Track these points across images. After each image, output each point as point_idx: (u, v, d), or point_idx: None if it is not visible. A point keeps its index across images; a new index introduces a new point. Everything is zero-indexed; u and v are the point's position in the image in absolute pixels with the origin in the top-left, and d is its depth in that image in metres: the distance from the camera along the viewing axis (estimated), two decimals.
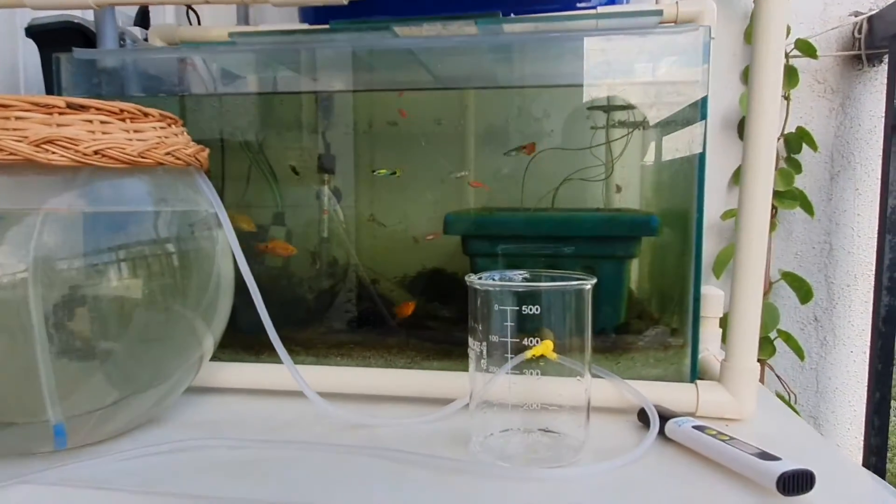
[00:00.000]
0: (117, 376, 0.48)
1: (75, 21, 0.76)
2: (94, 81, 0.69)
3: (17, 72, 0.86)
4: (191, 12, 1.10)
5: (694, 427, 0.48)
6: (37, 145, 0.42)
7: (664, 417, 0.51)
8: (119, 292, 0.46)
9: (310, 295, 0.80)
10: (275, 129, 0.78)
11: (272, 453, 0.48)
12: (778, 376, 1.15)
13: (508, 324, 0.46)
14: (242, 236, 0.58)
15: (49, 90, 0.78)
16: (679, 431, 0.48)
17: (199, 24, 1.08)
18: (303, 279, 0.79)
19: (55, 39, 0.75)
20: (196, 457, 0.48)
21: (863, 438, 1.14)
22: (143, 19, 1.00)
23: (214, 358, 0.64)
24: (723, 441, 0.45)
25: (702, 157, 0.59)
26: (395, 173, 0.73)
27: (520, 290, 0.46)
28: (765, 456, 0.42)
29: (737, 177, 1.14)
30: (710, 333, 0.69)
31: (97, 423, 0.49)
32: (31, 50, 0.82)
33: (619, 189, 0.69)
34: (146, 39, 0.93)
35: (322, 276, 0.81)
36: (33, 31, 0.76)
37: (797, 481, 0.40)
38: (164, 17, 1.16)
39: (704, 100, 0.60)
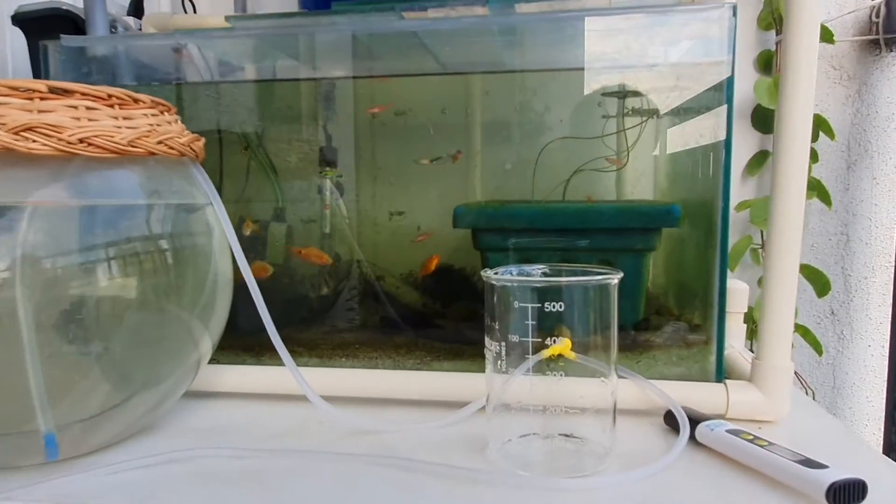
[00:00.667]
0: (110, 381, 0.44)
1: (63, 7, 0.72)
2: (83, 70, 0.66)
3: (4, 61, 0.82)
4: (186, 2, 1.06)
5: (728, 431, 0.45)
6: (16, 133, 0.38)
7: (694, 420, 0.47)
8: (110, 291, 0.43)
9: (313, 293, 0.77)
10: (274, 120, 0.75)
11: (273, 463, 0.45)
12: (795, 372, 1.12)
13: (529, 322, 0.42)
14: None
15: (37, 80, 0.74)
16: (711, 436, 0.45)
17: (194, 12, 1.05)
18: (305, 276, 0.76)
19: (42, 27, 0.72)
20: (193, 468, 0.45)
21: (882, 434, 1.11)
22: (136, 9, 0.96)
23: (213, 360, 0.61)
24: (762, 447, 0.41)
25: (727, 143, 0.56)
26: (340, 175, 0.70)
27: (541, 285, 0.43)
28: (810, 463, 0.39)
29: (751, 167, 1.11)
30: (734, 330, 0.65)
31: (89, 432, 0.46)
32: (18, 38, 0.78)
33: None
34: (140, 29, 0.90)
35: (325, 273, 0.78)
36: (20, 19, 0.73)
37: (848, 491, 0.36)
38: (160, 6, 1.13)
39: (730, 83, 0.56)
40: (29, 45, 0.75)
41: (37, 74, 0.74)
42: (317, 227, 0.78)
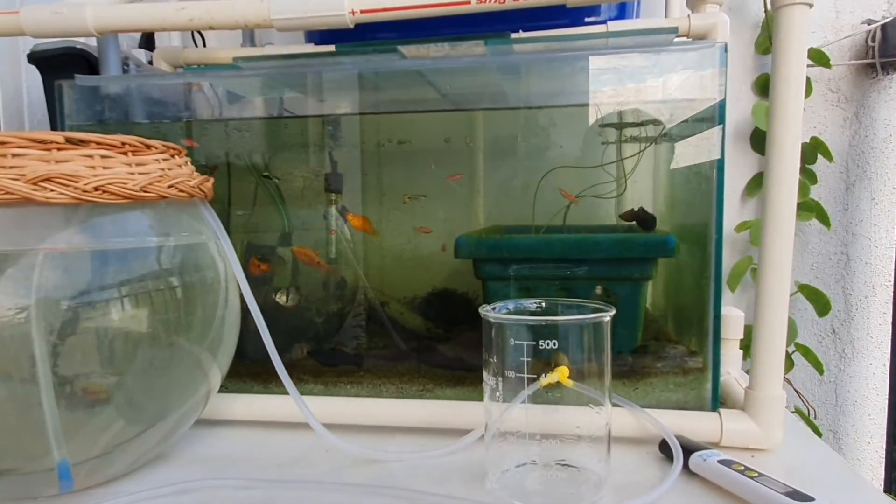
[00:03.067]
0: (122, 416, 0.46)
1: (77, 47, 0.75)
2: (97, 108, 0.68)
3: (20, 98, 0.85)
4: (196, 35, 1.09)
5: (720, 461, 0.46)
6: (34, 183, 0.40)
7: (688, 450, 0.49)
8: (123, 329, 0.45)
9: (318, 319, 0.79)
10: (282, 152, 0.77)
11: (279, 493, 0.47)
12: (796, 391, 1.13)
13: (524, 359, 0.44)
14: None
15: (52, 117, 0.77)
16: (704, 466, 0.46)
17: (204, 46, 1.07)
18: (311, 303, 0.78)
19: (58, 65, 0.74)
20: (202, 498, 0.46)
21: (884, 452, 1.11)
22: (147, 42, 0.99)
23: (222, 388, 0.63)
24: (751, 478, 0.43)
25: (720, 177, 0.57)
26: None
27: (536, 323, 0.44)
28: (796, 496, 0.40)
29: (750, 188, 1.12)
30: (730, 356, 0.67)
31: (102, 464, 0.47)
32: (34, 76, 0.81)
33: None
34: (150, 62, 0.92)
35: (330, 299, 0.79)
36: (35, 58, 0.76)
37: None
38: (170, 39, 1.16)
39: (721, 115, 0.58)
40: (44, 82, 0.78)
41: (52, 111, 0.76)
42: (322, 252, 0.80)
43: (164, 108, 0.72)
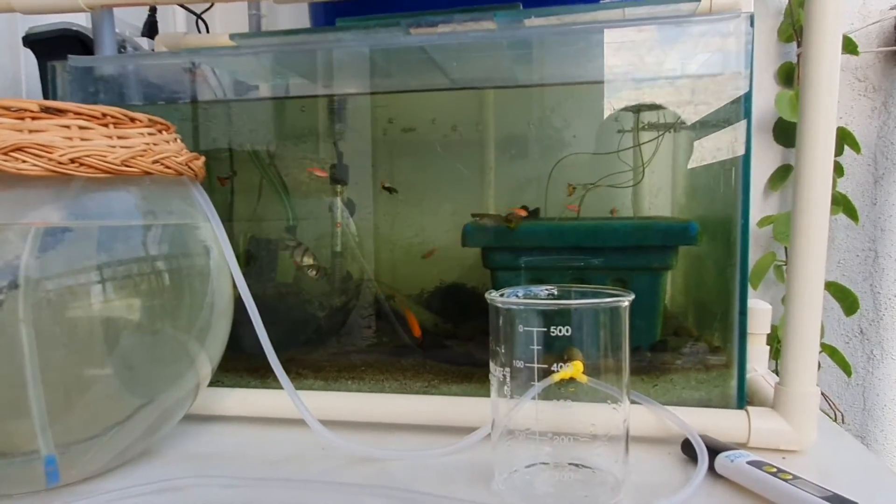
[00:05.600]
0: (101, 404, 0.43)
1: (73, 29, 0.73)
2: (90, 90, 0.66)
3: (18, 83, 0.83)
4: (200, 23, 1.07)
5: (749, 462, 0.42)
6: (5, 153, 0.37)
7: (713, 450, 0.45)
8: (106, 312, 0.42)
9: (320, 313, 0.76)
10: (284, 138, 0.74)
11: (268, 493, 0.43)
12: (823, 394, 1.07)
13: (535, 347, 0.40)
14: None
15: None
16: (732, 468, 0.42)
17: (207, 33, 1.05)
18: (312, 296, 0.75)
19: (53, 48, 0.72)
20: (187, 496, 0.43)
21: None
22: (150, 30, 0.97)
23: (216, 383, 0.60)
24: (786, 481, 0.39)
25: (747, 156, 0.53)
26: None
27: (547, 308, 0.41)
28: (837, 500, 0.36)
29: (773, 182, 1.08)
30: (756, 352, 0.62)
31: (85, 455, 0.44)
32: (33, 63, 0.79)
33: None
34: (153, 50, 0.90)
35: (334, 293, 0.76)
36: (30, 41, 0.73)
37: None
38: (175, 28, 1.14)
39: (748, 95, 0.54)
40: (40, 66, 0.75)
41: (46, 96, 0.74)
42: (327, 245, 0.77)
43: (160, 90, 0.69)
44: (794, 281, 0.48)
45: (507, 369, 0.42)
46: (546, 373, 0.40)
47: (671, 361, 0.60)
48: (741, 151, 0.54)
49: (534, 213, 0.66)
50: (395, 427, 0.55)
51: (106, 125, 0.42)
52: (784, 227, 1.01)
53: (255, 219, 0.76)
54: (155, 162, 0.44)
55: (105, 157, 0.41)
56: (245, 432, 0.55)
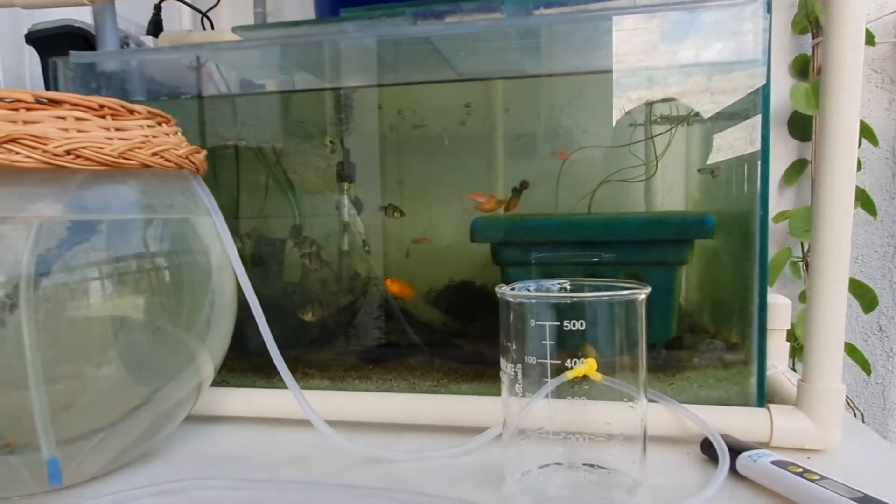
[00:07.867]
0: (99, 403, 0.42)
1: (76, 25, 0.72)
2: (92, 86, 0.65)
3: (22, 81, 0.82)
4: (206, 21, 1.06)
5: (773, 462, 0.40)
6: None
7: (734, 450, 0.43)
8: (104, 308, 0.41)
9: (327, 312, 0.74)
10: (288, 134, 0.73)
11: (273, 495, 0.42)
12: None
13: (547, 342, 0.38)
14: None
15: None
16: (755, 468, 0.41)
17: (213, 30, 1.04)
18: (320, 294, 0.73)
19: (55, 45, 0.71)
20: (190, 498, 0.42)
21: None
22: (155, 28, 0.96)
23: (221, 383, 0.58)
24: (813, 482, 0.37)
25: (764, 146, 0.51)
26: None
27: (560, 302, 0.39)
28: (867, 501, 0.34)
29: (789, 176, 1.06)
30: (776, 348, 0.60)
31: (86, 459, 0.43)
32: (36, 58, 0.78)
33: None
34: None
35: (341, 291, 0.75)
36: (33, 38, 0.72)
37: None
38: (181, 26, 1.13)
39: (765, 86, 0.52)
40: (42, 63, 0.75)
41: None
42: (335, 243, 0.76)
43: (166, 88, 0.68)
44: (818, 274, 0.46)
45: (519, 366, 0.40)
46: (560, 369, 0.39)
47: (688, 359, 0.58)
48: (757, 142, 0.52)
49: (522, 186, 0.64)
50: (403, 428, 0.53)
51: (103, 117, 0.41)
52: (801, 222, 0.99)
53: (261, 216, 0.75)
54: (154, 154, 0.43)
55: (102, 148, 0.39)
56: (250, 433, 0.54)
